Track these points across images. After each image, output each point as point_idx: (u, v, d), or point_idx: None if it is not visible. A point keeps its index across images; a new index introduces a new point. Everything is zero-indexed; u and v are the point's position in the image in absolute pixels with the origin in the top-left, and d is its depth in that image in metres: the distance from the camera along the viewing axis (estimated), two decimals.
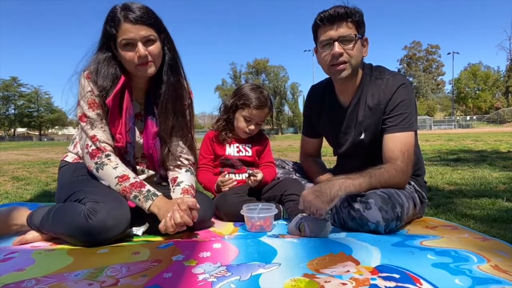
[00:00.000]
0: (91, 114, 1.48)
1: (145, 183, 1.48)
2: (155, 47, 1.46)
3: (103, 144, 1.48)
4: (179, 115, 1.62)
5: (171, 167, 1.65)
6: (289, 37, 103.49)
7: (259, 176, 1.85)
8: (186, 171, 1.64)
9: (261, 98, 1.88)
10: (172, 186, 1.60)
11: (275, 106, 2.11)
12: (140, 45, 1.42)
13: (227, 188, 1.84)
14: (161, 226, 1.38)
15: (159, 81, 1.57)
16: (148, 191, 1.44)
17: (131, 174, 1.47)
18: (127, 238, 1.46)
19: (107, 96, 1.46)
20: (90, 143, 1.48)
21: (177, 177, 1.62)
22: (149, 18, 1.43)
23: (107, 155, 1.48)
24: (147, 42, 1.43)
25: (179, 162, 1.65)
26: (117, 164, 1.47)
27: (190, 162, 1.69)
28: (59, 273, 1.07)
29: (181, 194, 1.53)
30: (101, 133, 1.49)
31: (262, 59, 57.48)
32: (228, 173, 1.94)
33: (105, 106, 1.48)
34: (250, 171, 1.88)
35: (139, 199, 1.42)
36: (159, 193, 1.45)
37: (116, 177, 1.44)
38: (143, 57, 1.42)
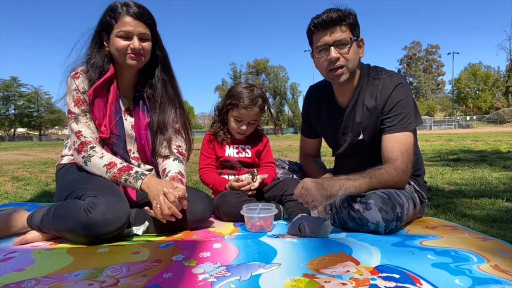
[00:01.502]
0: (76, 110, 1.54)
1: (133, 166, 1.52)
2: (148, 45, 1.57)
3: (87, 138, 1.53)
4: (177, 105, 1.71)
5: (161, 160, 1.68)
6: (289, 37, 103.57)
7: (256, 183, 1.80)
8: (174, 159, 1.66)
9: (250, 97, 1.85)
10: (162, 177, 1.63)
11: (274, 105, 2.10)
12: (135, 39, 1.52)
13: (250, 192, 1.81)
14: (148, 212, 1.45)
15: (148, 76, 1.66)
16: (136, 172, 1.48)
17: (118, 160, 1.52)
18: (127, 238, 1.47)
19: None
20: (75, 139, 1.54)
21: (165, 168, 1.64)
22: (148, 18, 1.54)
23: (92, 147, 1.52)
24: (141, 39, 1.54)
25: (168, 151, 1.67)
26: (103, 153, 1.53)
27: (180, 150, 1.71)
28: (59, 273, 1.07)
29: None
30: (85, 128, 1.55)
31: (262, 59, 57.52)
32: (228, 174, 1.94)
33: (89, 99, 1.53)
34: (255, 172, 1.84)
35: (130, 181, 1.47)
36: (147, 172, 1.50)
37: (104, 166, 1.49)
38: (136, 49, 1.53)
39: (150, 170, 1.70)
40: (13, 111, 56.91)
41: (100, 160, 1.50)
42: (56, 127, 62.37)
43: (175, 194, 1.40)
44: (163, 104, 1.67)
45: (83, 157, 1.51)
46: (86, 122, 1.55)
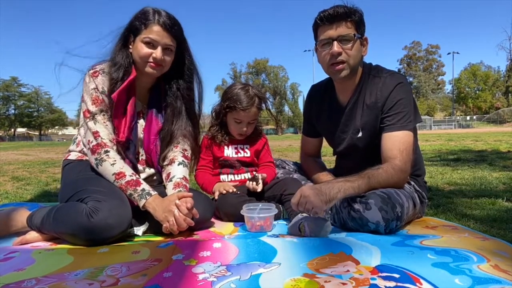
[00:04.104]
0: (94, 109, 1.53)
1: (141, 181, 1.50)
2: (170, 57, 1.57)
3: (104, 140, 1.52)
4: (191, 117, 1.72)
5: (165, 164, 1.68)
6: (289, 37, 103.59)
7: (260, 186, 1.80)
8: (178, 164, 1.66)
9: (247, 98, 1.85)
10: (166, 182, 1.63)
11: (274, 105, 2.09)
12: (159, 49, 1.52)
13: (224, 191, 1.80)
14: (165, 230, 1.42)
15: (170, 85, 1.66)
16: (143, 190, 1.46)
17: (128, 172, 1.50)
18: (127, 238, 1.46)
19: (115, 88, 1.51)
20: (91, 138, 1.52)
21: (170, 172, 1.64)
22: (176, 30, 1.54)
23: (106, 151, 1.51)
24: (165, 49, 1.53)
25: (173, 155, 1.68)
26: (115, 160, 1.50)
27: (186, 153, 1.71)
28: (59, 272, 1.07)
29: (173, 189, 1.55)
30: (103, 129, 1.53)
31: (262, 59, 57.46)
32: (227, 173, 1.94)
33: (110, 100, 1.52)
34: (257, 175, 1.84)
35: (134, 197, 1.46)
36: (153, 192, 1.48)
37: (113, 174, 1.48)
38: (158, 60, 1.52)
39: (154, 174, 1.70)
40: (13, 111, 56.95)
41: (111, 168, 1.48)
42: (56, 127, 62.37)
43: (186, 206, 1.41)
44: (178, 114, 1.67)
45: (95, 159, 1.51)
46: (104, 122, 1.54)
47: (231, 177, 1.95)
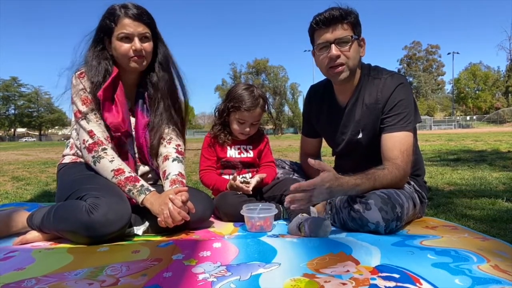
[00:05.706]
0: (85, 109, 1.54)
1: (140, 178, 1.51)
2: (149, 45, 1.58)
3: (100, 138, 1.53)
4: (173, 104, 1.71)
5: (160, 161, 1.68)
6: (289, 37, 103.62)
7: (251, 187, 1.80)
8: (173, 160, 1.66)
9: (251, 99, 1.85)
10: (163, 180, 1.63)
11: (274, 105, 2.09)
12: (136, 39, 1.53)
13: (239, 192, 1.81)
14: (160, 223, 1.42)
15: (149, 77, 1.66)
16: (142, 185, 1.48)
17: (127, 169, 1.51)
18: (127, 238, 1.47)
19: (98, 90, 1.51)
20: (87, 137, 1.53)
21: (165, 170, 1.64)
22: (146, 18, 1.55)
23: (104, 149, 1.52)
24: (142, 38, 1.54)
25: (167, 151, 1.67)
26: (113, 157, 1.52)
27: (180, 149, 1.71)
28: (59, 272, 1.07)
29: (169, 186, 1.55)
30: (97, 127, 1.54)
31: (262, 59, 57.45)
32: (229, 174, 1.94)
33: (97, 100, 1.53)
34: (246, 178, 1.83)
35: (133, 193, 1.46)
36: (152, 189, 1.49)
37: (112, 170, 1.49)
38: (138, 50, 1.53)
39: (149, 172, 1.70)
40: (13, 111, 57.00)
41: (110, 164, 1.49)
42: (56, 127, 62.37)
43: (180, 199, 1.41)
44: (161, 103, 1.67)
45: (93, 157, 1.51)
46: (97, 121, 1.55)
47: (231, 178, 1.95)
